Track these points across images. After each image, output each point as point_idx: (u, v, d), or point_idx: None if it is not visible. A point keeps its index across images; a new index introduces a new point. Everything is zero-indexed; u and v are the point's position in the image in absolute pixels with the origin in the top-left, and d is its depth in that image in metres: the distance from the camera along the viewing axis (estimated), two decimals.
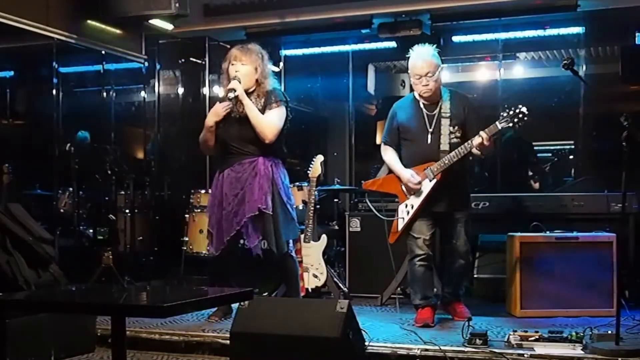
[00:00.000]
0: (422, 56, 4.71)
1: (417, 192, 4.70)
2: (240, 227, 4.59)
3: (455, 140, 4.67)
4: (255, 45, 4.82)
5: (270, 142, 4.62)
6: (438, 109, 4.73)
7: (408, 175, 4.71)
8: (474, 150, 4.58)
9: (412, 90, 4.89)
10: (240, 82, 4.62)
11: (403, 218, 4.77)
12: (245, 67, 4.68)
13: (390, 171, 4.88)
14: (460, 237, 4.79)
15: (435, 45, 4.82)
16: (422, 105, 4.77)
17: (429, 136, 4.70)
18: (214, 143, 4.78)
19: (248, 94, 4.68)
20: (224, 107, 4.69)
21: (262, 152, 4.66)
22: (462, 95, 4.91)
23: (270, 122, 4.62)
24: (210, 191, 4.94)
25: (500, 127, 4.52)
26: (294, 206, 4.87)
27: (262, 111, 4.64)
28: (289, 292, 4.92)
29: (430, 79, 4.66)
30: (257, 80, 4.72)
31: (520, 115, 4.48)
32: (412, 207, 4.72)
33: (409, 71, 4.79)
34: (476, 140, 4.50)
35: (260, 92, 4.71)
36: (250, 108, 4.61)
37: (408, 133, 4.79)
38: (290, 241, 4.76)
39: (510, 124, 4.51)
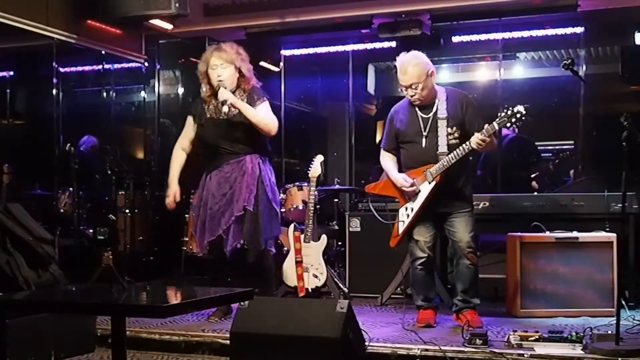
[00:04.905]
0: (405, 67, 4.53)
1: (415, 195, 4.63)
2: (226, 227, 4.62)
3: (454, 141, 4.55)
4: (229, 44, 4.80)
5: (274, 135, 4.74)
6: (433, 111, 4.60)
7: (400, 179, 4.66)
8: (474, 146, 4.44)
9: None
10: (226, 88, 4.64)
11: (403, 221, 4.72)
12: (227, 70, 4.69)
13: None
14: (459, 233, 4.59)
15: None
16: (416, 109, 4.66)
17: (424, 140, 4.60)
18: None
19: (231, 92, 4.71)
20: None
21: (250, 151, 4.73)
22: (460, 93, 4.73)
23: (269, 118, 4.72)
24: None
25: (497, 128, 4.43)
26: (279, 203, 4.95)
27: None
28: (263, 288, 4.82)
29: (416, 90, 4.53)
30: (239, 78, 4.75)
31: (518, 115, 4.36)
32: (412, 210, 4.66)
33: None
34: (473, 142, 4.41)
35: (245, 89, 4.74)
36: (246, 109, 4.65)
37: (405, 137, 4.70)
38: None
39: (508, 124, 4.44)
